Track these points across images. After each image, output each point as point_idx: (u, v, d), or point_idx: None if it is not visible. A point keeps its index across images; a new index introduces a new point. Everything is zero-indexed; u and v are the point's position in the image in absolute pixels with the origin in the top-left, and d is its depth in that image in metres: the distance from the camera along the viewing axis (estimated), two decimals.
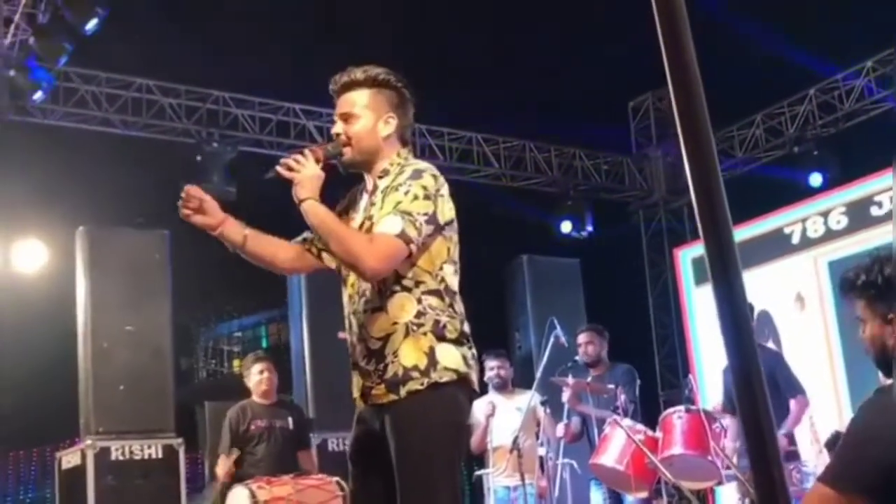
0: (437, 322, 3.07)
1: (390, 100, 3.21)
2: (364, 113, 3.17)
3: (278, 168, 3.07)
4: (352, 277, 3.18)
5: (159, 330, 7.77)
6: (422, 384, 3.03)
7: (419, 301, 3.07)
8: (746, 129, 11.66)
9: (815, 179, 10.58)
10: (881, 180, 8.55)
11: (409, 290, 3.07)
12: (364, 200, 3.25)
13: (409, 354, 3.04)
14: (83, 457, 7.26)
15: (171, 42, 10.19)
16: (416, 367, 3.03)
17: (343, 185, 3.38)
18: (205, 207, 3.22)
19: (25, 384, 9.74)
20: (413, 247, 3.00)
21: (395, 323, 3.06)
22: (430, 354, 3.04)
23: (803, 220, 9.49)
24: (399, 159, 3.20)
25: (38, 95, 8.83)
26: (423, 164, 3.19)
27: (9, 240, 8.50)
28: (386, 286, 3.07)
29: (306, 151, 3.10)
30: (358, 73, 3.19)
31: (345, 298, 3.24)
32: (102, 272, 7.59)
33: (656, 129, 12.56)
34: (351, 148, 3.17)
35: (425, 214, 3.03)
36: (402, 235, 2.97)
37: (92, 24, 8.14)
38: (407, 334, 3.05)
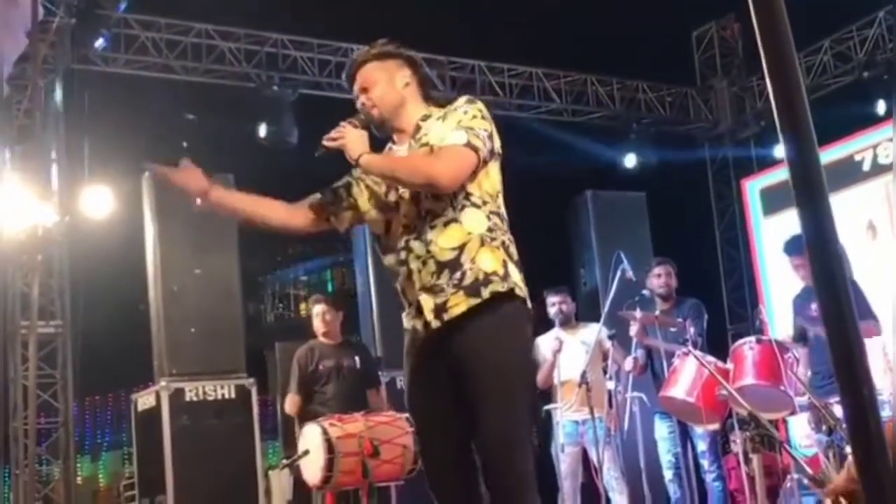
0: (504, 242, 3.19)
1: (397, 62, 3.41)
2: (377, 77, 3.35)
3: (324, 142, 3.23)
4: (403, 207, 3.21)
5: (227, 272, 7.86)
6: (503, 287, 3.11)
7: (488, 218, 3.17)
8: (814, 56, 11.37)
9: (884, 106, 10.31)
10: None
11: (478, 206, 3.16)
12: (401, 148, 3.34)
13: (487, 260, 3.12)
14: (158, 398, 7.41)
15: None
16: (495, 273, 3.11)
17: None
18: (184, 177, 3.44)
19: (98, 329, 9.92)
20: (480, 155, 3.12)
21: (470, 233, 3.13)
22: (505, 266, 3.15)
23: (874, 147, 9.27)
24: (434, 108, 3.37)
25: (100, 43, 8.88)
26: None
27: (77, 187, 8.61)
28: (457, 199, 3.15)
29: (342, 123, 3.26)
30: (361, 54, 3.42)
31: (395, 231, 3.25)
32: (170, 217, 7.68)
33: (721, 59, 12.31)
34: (377, 108, 3.31)
35: (486, 131, 3.19)
36: (469, 145, 3.11)
37: None
38: (482, 244, 3.13)
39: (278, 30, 10.03)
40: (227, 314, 7.82)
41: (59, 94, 8.62)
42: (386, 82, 3.33)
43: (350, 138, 3.20)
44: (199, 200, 3.40)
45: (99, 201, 8.72)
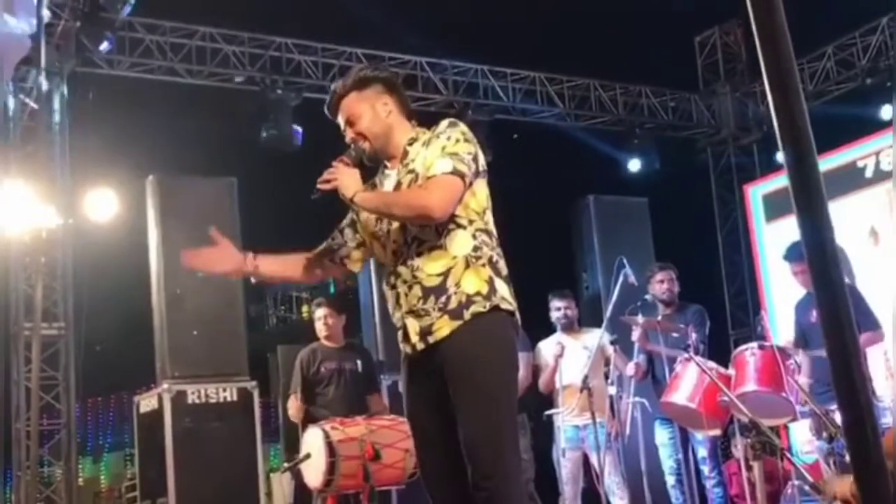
0: (491, 257, 3.27)
1: (377, 89, 3.42)
2: (360, 109, 3.39)
3: (319, 186, 3.31)
4: (393, 234, 3.31)
5: None
6: (484, 307, 3.19)
7: (474, 237, 3.25)
8: (817, 62, 11.38)
9: (888, 112, 10.31)
10: None
11: (463, 227, 3.25)
12: (392, 173, 3.42)
13: (471, 283, 3.21)
14: (160, 401, 7.42)
15: None
16: (478, 293, 3.20)
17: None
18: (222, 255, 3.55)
19: (101, 332, 9.94)
20: (466, 180, 3.20)
21: (455, 257, 3.22)
22: (490, 283, 3.23)
23: (877, 153, 9.28)
24: (420, 129, 3.42)
25: (105, 46, 8.91)
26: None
27: (81, 189, 8.63)
28: (442, 225, 3.23)
29: (335, 163, 3.34)
30: (339, 87, 3.44)
31: (388, 257, 3.37)
32: (173, 220, 7.69)
33: (724, 64, 12.33)
34: (368, 140, 3.38)
35: (469, 153, 3.25)
36: (455, 172, 3.18)
37: None
38: (467, 266, 3.22)
39: (282, 34, 10.05)
40: (230, 317, 7.83)
41: (63, 97, 8.64)
42: (370, 114, 3.38)
43: (342, 179, 3.28)
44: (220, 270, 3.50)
45: (103, 204, 8.73)
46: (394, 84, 3.51)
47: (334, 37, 10.27)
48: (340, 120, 3.43)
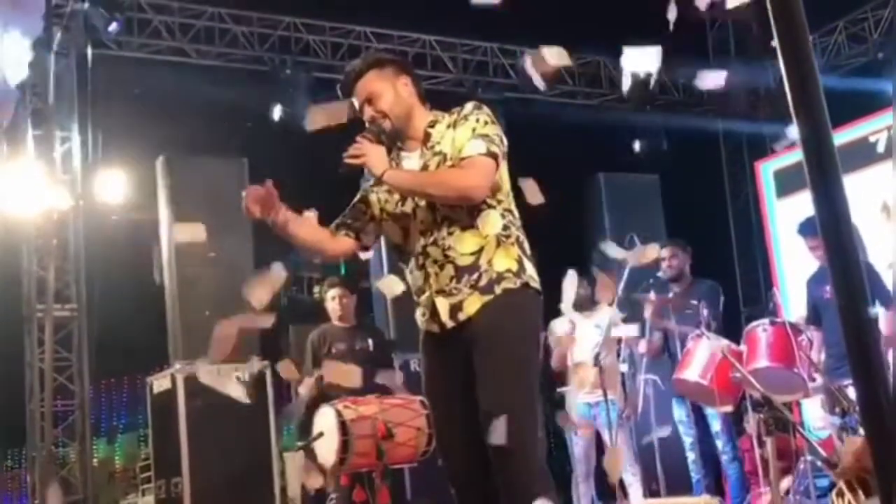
0: (518, 237, 3.32)
1: (394, 69, 3.43)
2: (380, 87, 3.38)
3: (345, 160, 3.27)
4: (420, 214, 3.30)
5: (242, 256, 7.88)
6: (515, 283, 3.24)
7: (503, 216, 3.29)
8: (828, 37, 11.30)
9: None
10: None
11: (493, 207, 3.28)
12: (413, 156, 3.40)
13: (502, 261, 3.25)
14: (173, 381, 7.45)
15: None
16: (509, 270, 3.25)
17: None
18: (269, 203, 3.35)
19: (113, 313, 9.96)
20: (499, 161, 3.25)
21: (487, 236, 3.25)
22: (520, 262, 3.28)
23: (888, 128, 9.22)
24: (437, 112, 3.43)
25: (113, 27, 8.89)
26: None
27: (92, 171, 8.64)
28: (473, 205, 3.26)
29: (358, 138, 3.30)
30: (356, 65, 3.44)
31: (413, 237, 3.34)
32: (184, 200, 7.71)
33: (735, 39, 12.25)
34: (388, 119, 3.35)
35: (498, 135, 3.28)
36: (489, 153, 3.22)
37: None
38: (498, 245, 3.26)
39: (291, 13, 10.02)
40: (242, 297, 7.83)
41: (73, 79, 8.64)
42: (392, 93, 3.37)
43: (371, 155, 3.26)
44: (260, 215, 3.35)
45: (114, 185, 8.75)
46: (408, 67, 3.53)
47: (343, 16, 10.24)
48: (357, 99, 3.40)
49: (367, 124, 3.37)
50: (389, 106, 3.35)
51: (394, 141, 3.41)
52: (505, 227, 3.27)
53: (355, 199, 3.55)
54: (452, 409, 3.30)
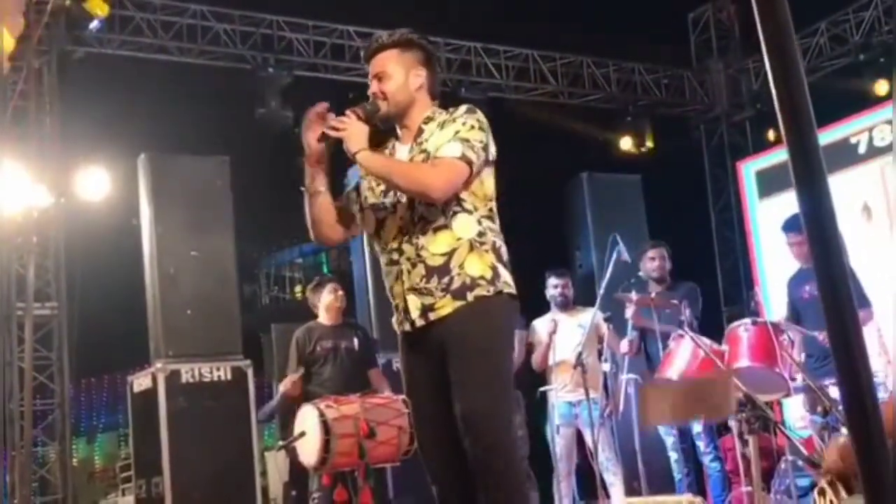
0: (494, 243, 3.32)
1: (416, 56, 3.44)
2: (394, 70, 3.40)
3: (325, 130, 3.28)
4: (400, 210, 3.32)
5: (223, 254, 7.85)
6: (488, 291, 3.25)
7: (479, 223, 3.30)
8: (810, 38, 11.35)
9: (881, 87, 10.30)
10: None
11: (469, 212, 3.30)
12: (404, 149, 3.43)
13: (475, 266, 3.25)
14: (154, 380, 7.41)
15: None
16: (482, 278, 3.25)
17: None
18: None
19: (94, 311, 9.92)
20: (473, 168, 3.24)
21: (460, 238, 3.26)
22: (494, 269, 3.28)
23: (870, 129, 9.27)
24: (438, 109, 3.44)
25: (95, 24, 8.85)
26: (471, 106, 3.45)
27: (72, 168, 8.59)
28: (448, 207, 3.27)
29: (348, 112, 3.32)
30: (385, 37, 3.44)
31: (388, 230, 3.37)
32: (165, 198, 7.67)
33: (717, 41, 12.30)
34: (387, 102, 3.38)
35: (481, 142, 3.29)
36: (463, 158, 3.23)
37: None
38: (471, 249, 3.27)
39: (273, 11, 9.99)
40: (224, 296, 7.81)
41: (53, 76, 8.59)
42: (401, 79, 3.38)
43: (351, 131, 3.26)
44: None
45: (94, 183, 8.70)
46: (432, 59, 3.53)
47: (325, 14, 10.22)
48: (371, 70, 3.43)
49: (368, 97, 3.40)
50: (393, 90, 3.38)
51: (385, 123, 3.43)
52: (480, 234, 3.29)
53: (349, 187, 3.58)
54: (431, 408, 3.33)
